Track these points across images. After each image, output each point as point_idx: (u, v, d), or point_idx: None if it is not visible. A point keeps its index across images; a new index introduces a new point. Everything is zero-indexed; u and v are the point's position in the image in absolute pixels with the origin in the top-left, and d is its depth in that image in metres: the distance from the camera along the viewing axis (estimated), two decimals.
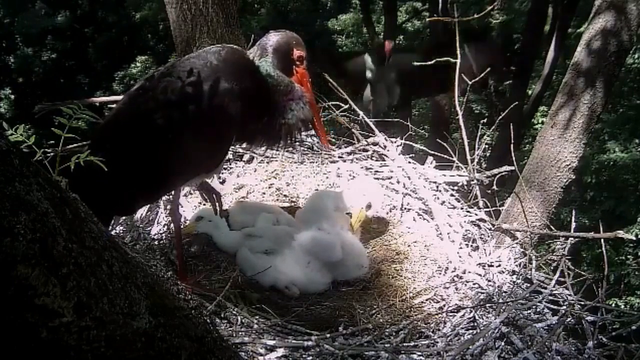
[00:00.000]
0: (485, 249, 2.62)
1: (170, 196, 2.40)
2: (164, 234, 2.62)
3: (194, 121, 1.90)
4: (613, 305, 4.82)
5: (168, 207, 2.47)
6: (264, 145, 2.23)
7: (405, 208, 2.87)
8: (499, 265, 2.49)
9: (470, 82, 3.46)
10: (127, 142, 1.94)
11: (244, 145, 2.75)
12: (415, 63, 3.28)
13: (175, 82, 1.93)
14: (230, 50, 2.07)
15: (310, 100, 2.13)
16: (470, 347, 1.97)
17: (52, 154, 1.44)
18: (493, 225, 2.74)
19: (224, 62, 1.99)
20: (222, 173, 3.08)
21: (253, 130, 2.11)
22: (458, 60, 3.06)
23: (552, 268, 2.51)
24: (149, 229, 2.70)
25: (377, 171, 3.11)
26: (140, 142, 1.93)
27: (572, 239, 2.55)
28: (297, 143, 3.16)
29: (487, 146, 5.68)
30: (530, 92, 7.45)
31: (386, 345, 1.98)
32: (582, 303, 2.26)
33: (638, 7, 2.47)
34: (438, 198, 2.93)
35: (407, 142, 3.35)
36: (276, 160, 3.14)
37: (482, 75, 3.31)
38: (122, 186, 1.88)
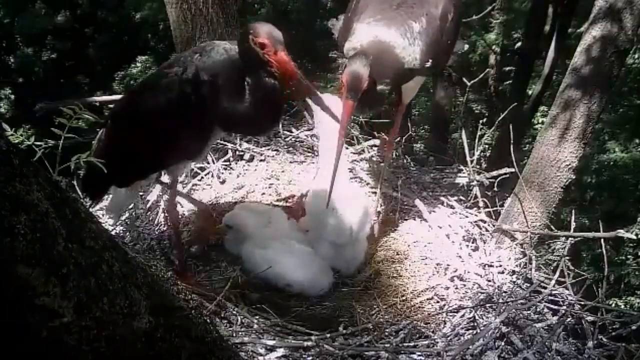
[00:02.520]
0: (485, 249, 2.62)
1: (168, 192, 2.41)
2: (164, 234, 2.62)
3: (176, 112, 2.02)
4: (613, 305, 4.81)
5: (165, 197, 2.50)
6: (250, 130, 2.38)
7: (404, 209, 2.87)
8: (499, 266, 2.49)
9: (469, 83, 3.48)
10: (123, 127, 2.19)
11: (231, 132, 2.79)
12: None
13: (165, 76, 2.07)
14: (222, 46, 2.10)
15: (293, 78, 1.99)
16: (470, 347, 1.97)
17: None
18: (493, 225, 2.74)
19: (213, 57, 2.05)
20: (222, 173, 3.08)
21: (236, 118, 2.10)
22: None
23: (552, 268, 2.51)
24: (149, 229, 2.71)
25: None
26: (132, 127, 2.14)
27: (572, 239, 2.54)
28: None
29: (487, 146, 5.68)
30: (530, 92, 7.44)
31: (386, 345, 1.99)
32: (582, 303, 2.26)
33: (638, 7, 2.47)
34: (438, 198, 2.93)
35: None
36: (276, 160, 3.14)
37: (482, 75, 3.31)
38: (118, 162, 2.06)
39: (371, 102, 2.23)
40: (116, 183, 2.28)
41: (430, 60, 2.29)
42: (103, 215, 2.74)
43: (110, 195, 2.50)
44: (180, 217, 2.67)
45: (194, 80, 2.00)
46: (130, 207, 2.80)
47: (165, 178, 2.44)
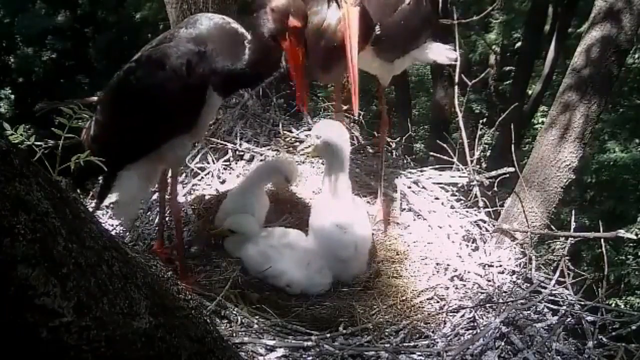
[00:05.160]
0: (485, 249, 2.62)
1: (169, 189, 2.39)
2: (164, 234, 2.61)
3: (169, 84, 2.02)
4: (613, 305, 4.81)
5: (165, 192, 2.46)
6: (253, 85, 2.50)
7: (404, 208, 2.87)
8: (499, 266, 2.49)
9: (470, 83, 3.48)
10: (113, 108, 2.17)
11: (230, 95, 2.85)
12: None
13: (156, 49, 2.09)
14: (205, 16, 2.15)
15: (296, 66, 2.11)
16: (470, 347, 1.97)
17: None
18: (493, 225, 2.74)
19: (199, 27, 2.08)
20: (222, 173, 3.08)
21: (233, 83, 2.16)
22: (458, 59, 3.05)
23: (552, 268, 2.51)
24: (149, 229, 2.70)
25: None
26: (122, 107, 2.14)
27: (572, 239, 2.55)
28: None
29: (487, 146, 5.69)
30: (530, 92, 7.45)
31: (386, 345, 1.99)
32: (582, 303, 2.26)
33: (637, 7, 2.47)
34: (437, 198, 2.93)
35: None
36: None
37: (483, 75, 3.32)
38: (109, 143, 2.08)
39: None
40: (108, 167, 2.15)
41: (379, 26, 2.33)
42: (103, 215, 2.74)
43: (117, 194, 2.44)
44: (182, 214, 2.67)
45: (185, 51, 2.02)
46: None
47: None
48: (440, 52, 2.81)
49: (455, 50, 2.91)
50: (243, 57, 2.07)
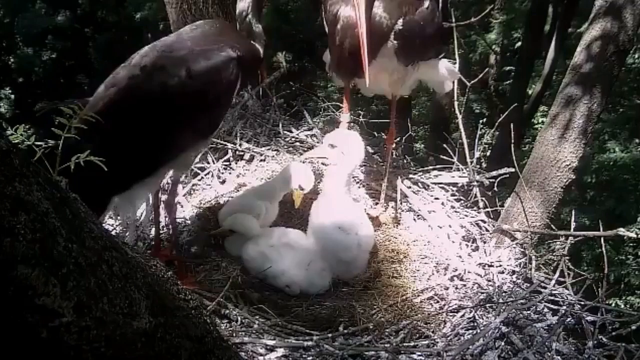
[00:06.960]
0: (485, 249, 2.62)
1: (168, 188, 2.38)
2: (164, 234, 2.61)
3: (191, 90, 1.95)
4: (613, 305, 4.81)
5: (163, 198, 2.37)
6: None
7: (404, 208, 2.87)
8: (499, 265, 2.49)
9: (470, 83, 3.48)
10: (126, 117, 1.91)
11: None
12: None
13: (169, 57, 1.99)
14: (214, 22, 2.23)
15: None
16: (470, 347, 1.97)
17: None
18: (493, 225, 2.74)
19: (222, 32, 2.13)
20: (222, 173, 3.08)
21: (252, 71, 2.31)
22: (457, 61, 3.06)
23: (552, 268, 2.51)
24: (149, 229, 2.70)
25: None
26: (139, 114, 1.92)
27: (572, 238, 2.55)
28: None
29: (487, 146, 5.69)
30: (530, 92, 7.44)
31: (386, 345, 1.99)
32: (582, 303, 2.26)
33: (637, 7, 2.47)
34: (437, 198, 2.93)
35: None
36: (276, 160, 3.14)
37: (482, 75, 3.31)
38: (120, 160, 1.73)
39: None
40: (116, 190, 1.95)
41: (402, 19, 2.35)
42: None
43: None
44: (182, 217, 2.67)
45: (227, 56, 2.01)
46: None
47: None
48: (446, 73, 2.80)
49: (455, 57, 2.92)
50: (258, 45, 2.19)
